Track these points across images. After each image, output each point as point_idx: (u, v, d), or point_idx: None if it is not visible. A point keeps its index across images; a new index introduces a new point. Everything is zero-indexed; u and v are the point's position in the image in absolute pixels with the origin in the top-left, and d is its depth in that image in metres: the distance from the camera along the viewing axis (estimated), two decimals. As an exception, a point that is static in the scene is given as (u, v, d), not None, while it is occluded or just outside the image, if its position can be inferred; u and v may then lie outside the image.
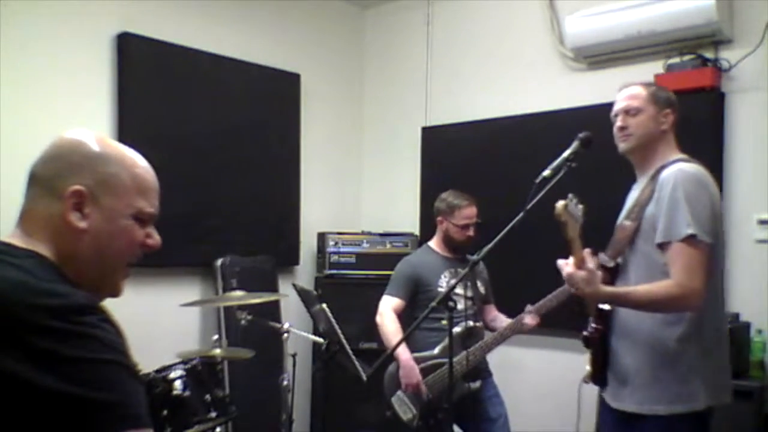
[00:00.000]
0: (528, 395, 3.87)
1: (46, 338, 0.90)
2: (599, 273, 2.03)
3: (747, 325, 3.09)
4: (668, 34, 3.41)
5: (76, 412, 0.89)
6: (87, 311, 0.96)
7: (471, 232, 3.21)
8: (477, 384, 3.08)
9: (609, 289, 2.07)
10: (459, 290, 3.08)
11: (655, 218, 2.06)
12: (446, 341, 2.90)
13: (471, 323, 3.06)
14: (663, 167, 2.11)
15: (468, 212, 3.22)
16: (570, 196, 1.95)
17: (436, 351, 3.09)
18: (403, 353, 3.05)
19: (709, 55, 3.36)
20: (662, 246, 2.02)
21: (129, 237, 1.12)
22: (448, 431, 2.88)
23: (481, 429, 3.17)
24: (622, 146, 2.22)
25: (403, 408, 3.09)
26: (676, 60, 3.40)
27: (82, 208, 1.07)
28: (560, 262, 2.05)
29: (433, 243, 3.36)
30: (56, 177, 1.08)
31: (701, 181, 2.06)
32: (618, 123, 2.22)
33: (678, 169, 2.06)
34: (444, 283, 3.19)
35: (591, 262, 2.00)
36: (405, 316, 3.20)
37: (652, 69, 3.45)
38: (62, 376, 0.89)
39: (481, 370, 3.17)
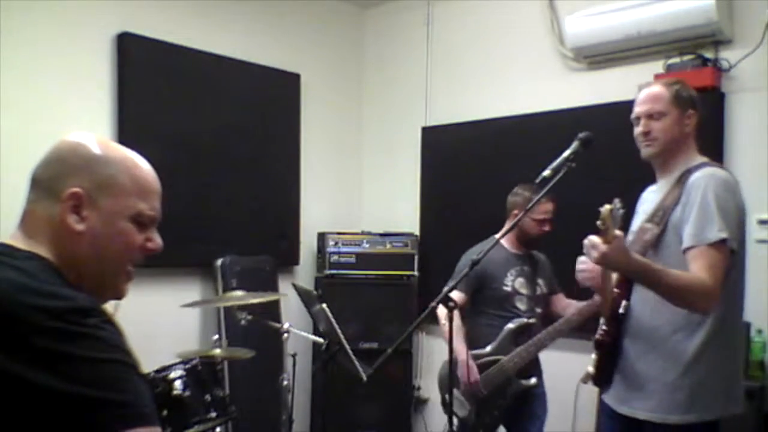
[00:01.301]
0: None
1: (50, 339, 0.91)
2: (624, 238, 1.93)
3: (747, 325, 3.08)
4: (668, 34, 3.41)
5: (84, 411, 0.89)
6: (89, 313, 0.96)
7: (547, 227, 3.10)
8: (532, 381, 3.04)
9: (642, 259, 1.97)
10: (523, 290, 3.13)
11: (681, 223, 2.00)
12: (500, 338, 3.01)
13: (524, 320, 3.03)
14: (689, 171, 2.06)
15: (546, 206, 3.07)
16: (616, 200, 1.89)
17: (488, 348, 3.06)
18: (461, 351, 2.99)
19: (709, 55, 3.36)
20: (688, 250, 1.97)
21: (127, 239, 1.11)
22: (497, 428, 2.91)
23: (522, 425, 3.15)
24: (645, 152, 2.14)
25: (459, 405, 3.06)
26: (676, 60, 3.39)
27: (80, 211, 1.07)
28: (586, 241, 1.95)
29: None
30: (55, 179, 1.08)
31: (731, 188, 2.02)
32: (640, 128, 2.14)
33: (709, 174, 2.01)
34: (510, 281, 3.12)
35: (618, 232, 1.90)
36: (468, 311, 3.13)
37: (652, 69, 3.45)
38: (68, 376, 0.89)
39: (534, 368, 3.13)
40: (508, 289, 3.12)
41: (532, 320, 3.11)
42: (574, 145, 2.26)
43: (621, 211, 1.92)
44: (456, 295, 3.01)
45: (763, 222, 3.19)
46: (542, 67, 4.05)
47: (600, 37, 3.63)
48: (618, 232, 1.90)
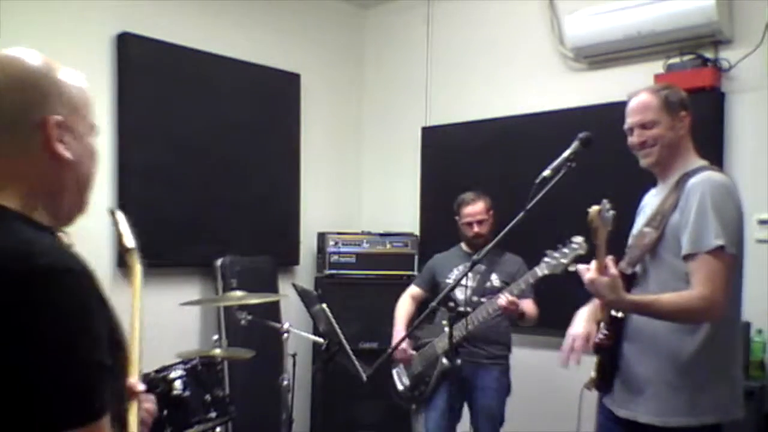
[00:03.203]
0: (529, 396, 3.86)
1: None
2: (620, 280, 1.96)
3: (747, 325, 3.08)
4: (668, 34, 3.41)
5: None
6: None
7: (476, 229, 3.33)
8: (448, 363, 3.14)
9: (632, 297, 2.01)
10: (466, 282, 3.22)
11: (680, 227, 2.00)
12: (436, 323, 3.27)
13: (462, 308, 3.13)
14: (687, 175, 2.06)
15: (469, 210, 3.36)
16: (604, 201, 1.89)
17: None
18: (396, 329, 3.40)
19: (709, 55, 3.36)
20: (687, 258, 1.97)
21: (95, 155, 1.09)
22: (427, 401, 3.25)
23: (472, 414, 3.32)
24: (644, 162, 2.16)
25: (400, 379, 3.35)
26: (676, 60, 3.39)
27: (63, 139, 1.01)
28: (581, 267, 2.00)
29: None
30: (21, 111, 0.98)
31: (729, 192, 2.02)
32: (635, 139, 2.15)
33: (706, 179, 2.01)
34: (453, 275, 3.33)
35: (613, 268, 1.94)
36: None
37: (652, 69, 3.45)
38: None
39: (480, 357, 3.27)
40: (449, 281, 3.31)
41: (467, 309, 3.18)
42: (574, 145, 2.26)
43: (611, 212, 1.92)
44: (413, 289, 3.59)
45: (763, 222, 3.20)
46: (542, 67, 4.05)
47: (600, 37, 3.63)
48: (614, 272, 1.93)
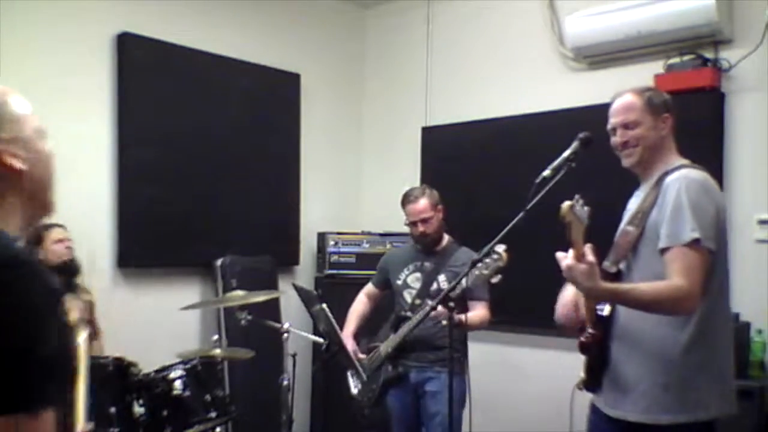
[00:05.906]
0: (521, 396, 3.86)
1: None
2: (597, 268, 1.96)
3: (747, 325, 3.09)
4: (668, 34, 3.41)
5: None
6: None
7: (421, 228, 3.10)
8: (392, 370, 3.06)
9: (609, 285, 2.01)
10: (414, 284, 3.16)
11: (658, 224, 2.02)
12: (385, 327, 3.15)
13: (405, 313, 3.07)
14: (666, 173, 2.09)
15: (410, 209, 3.13)
16: (576, 197, 1.89)
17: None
18: (345, 330, 3.20)
19: (709, 55, 3.36)
20: (664, 251, 1.99)
21: (48, 155, 1.17)
22: (379, 407, 3.11)
23: (423, 421, 3.11)
24: (626, 161, 2.18)
25: (354, 383, 3.19)
26: (676, 60, 3.40)
27: (15, 154, 1.10)
28: (559, 254, 1.99)
29: None
30: None
31: (706, 188, 2.03)
32: (617, 138, 2.17)
33: (683, 175, 2.03)
34: (404, 276, 3.19)
35: (591, 256, 1.93)
36: (388, 302, 3.31)
37: (652, 69, 3.45)
38: None
39: (427, 360, 3.04)
40: (400, 282, 3.20)
41: (408, 314, 3.06)
42: (574, 145, 2.26)
43: (585, 208, 1.92)
44: (368, 287, 3.39)
45: (763, 222, 3.20)
46: (542, 67, 4.05)
47: (600, 37, 3.63)
48: (591, 260, 1.91)
